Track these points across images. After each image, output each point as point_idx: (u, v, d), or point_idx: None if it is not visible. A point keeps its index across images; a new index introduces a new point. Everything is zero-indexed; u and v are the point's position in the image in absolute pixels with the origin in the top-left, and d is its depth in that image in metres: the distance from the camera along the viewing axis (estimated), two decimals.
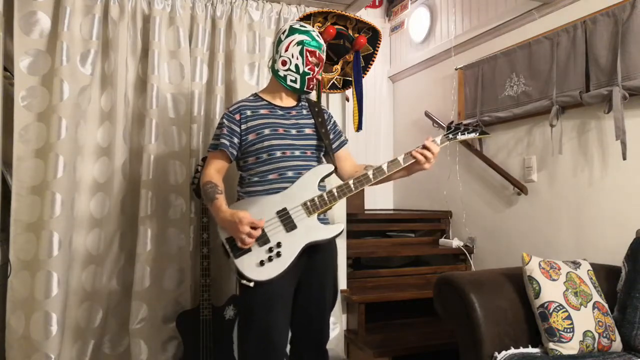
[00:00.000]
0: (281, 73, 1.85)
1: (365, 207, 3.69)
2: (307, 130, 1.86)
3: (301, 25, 1.86)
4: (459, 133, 1.89)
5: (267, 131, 1.79)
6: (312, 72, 1.84)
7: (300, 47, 1.82)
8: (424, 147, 1.81)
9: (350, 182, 1.76)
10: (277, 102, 1.89)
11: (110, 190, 2.32)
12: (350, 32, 2.51)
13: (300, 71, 1.83)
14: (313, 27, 2.43)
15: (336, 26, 2.45)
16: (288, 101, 1.91)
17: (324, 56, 1.88)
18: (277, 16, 2.66)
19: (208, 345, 2.29)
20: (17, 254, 2.13)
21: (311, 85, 1.87)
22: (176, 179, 2.43)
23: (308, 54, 1.82)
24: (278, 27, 2.67)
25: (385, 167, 1.79)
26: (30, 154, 2.17)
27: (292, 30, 1.84)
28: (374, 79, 4.43)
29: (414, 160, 1.79)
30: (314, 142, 1.86)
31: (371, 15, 4.40)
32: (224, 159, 1.83)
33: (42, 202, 2.14)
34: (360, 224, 3.49)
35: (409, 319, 3.02)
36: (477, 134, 1.91)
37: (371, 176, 1.77)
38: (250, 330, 1.73)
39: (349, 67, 2.62)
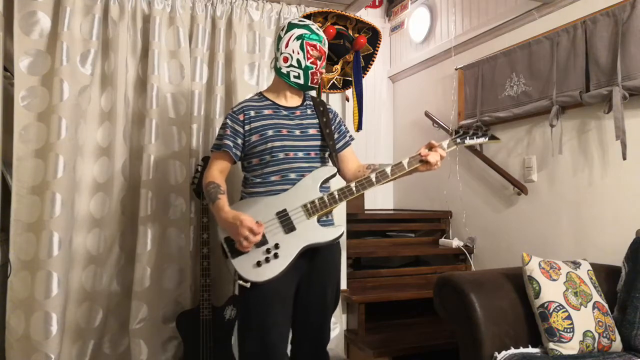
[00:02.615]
0: (284, 70, 1.83)
1: (365, 207, 3.69)
2: (311, 131, 1.84)
3: (300, 20, 1.85)
4: (467, 137, 1.85)
5: (270, 132, 1.78)
6: (314, 66, 1.82)
7: (300, 41, 1.81)
8: (431, 147, 1.78)
9: (352, 185, 1.74)
10: (282, 101, 1.87)
11: (110, 190, 2.32)
12: (350, 32, 2.51)
13: (303, 66, 1.81)
14: None
15: (336, 26, 2.46)
16: (293, 100, 1.89)
17: (325, 49, 1.86)
18: (277, 16, 2.66)
19: (208, 345, 2.29)
20: (17, 254, 2.13)
21: (315, 80, 1.85)
22: (176, 179, 2.43)
23: (309, 47, 1.81)
24: (278, 27, 2.67)
25: (388, 170, 1.76)
26: (30, 154, 2.17)
27: (291, 26, 1.84)
28: (374, 79, 4.43)
29: (419, 164, 1.77)
30: (317, 143, 1.84)
31: (371, 15, 4.40)
32: (226, 159, 1.82)
33: (42, 202, 2.13)
34: (360, 224, 3.48)
35: (409, 319, 3.02)
36: (487, 139, 1.87)
37: (374, 180, 1.75)
38: (248, 330, 1.73)
39: (349, 67, 2.62)
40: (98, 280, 2.31)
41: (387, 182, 1.78)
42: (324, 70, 1.87)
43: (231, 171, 1.89)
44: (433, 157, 1.75)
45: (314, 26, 1.85)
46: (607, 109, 2.36)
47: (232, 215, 1.65)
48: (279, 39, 1.86)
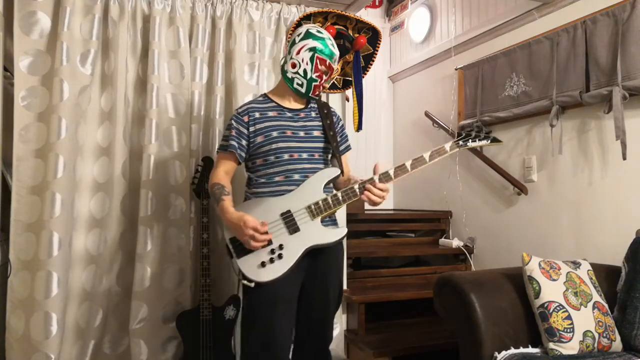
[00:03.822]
0: (289, 75, 1.84)
1: (365, 207, 3.69)
2: (315, 133, 1.86)
3: (318, 31, 1.85)
4: (470, 140, 1.86)
5: (275, 134, 1.79)
6: (319, 80, 1.84)
7: (311, 53, 1.81)
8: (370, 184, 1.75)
9: (356, 186, 1.75)
10: (286, 103, 1.88)
11: (110, 190, 2.32)
12: (350, 32, 2.51)
13: (308, 77, 1.82)
14: None
15: (336, 26, 2.45)
16: (297, 103, 1.90)
17: (334, 66, 1.87)
18: (277, 16, 2.66)
19: (208, 345, 2.29)
20: (17, 254, 2.13)
21: (317, 92, 1.87)
22: (176, 179, 2.43)
23: (318, 61, 1.81)
24: (278, 27, 2.67)
25: (391, 172, 1.77)
26: (30, 154, 2.17)
27: (307, 35, 1.84)
28: (374, 79, 4.43)
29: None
30: (321, 145, 1.86)
31: (371, 15, 4.40)
32: (232, 160, 1.83)
33: (42, 202, 2.13)
34: (360, 224, 3.48)
35: (409, 319, 3.02)
36: (489, 141, 1.88)
37: (377, 180, 1.76)
38: (252, 330, 1.73)
39: (349, 67, 2.62)
40: (98, 280, 2.31)
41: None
42: (327, 85, 1.88)
43: (237, 173, 1.91)
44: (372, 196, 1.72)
45: (330, 41, 1.85)
46: (607, 109, 2.36)
47: (236, 217, 1.66)
48: (292, 42, 1.85)
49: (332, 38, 1.87)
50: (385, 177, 1.77)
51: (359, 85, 2.56)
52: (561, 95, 2.61)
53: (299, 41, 1.83)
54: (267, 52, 2.65)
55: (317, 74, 1.82)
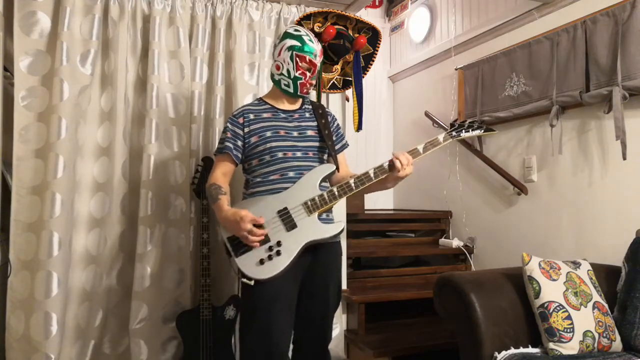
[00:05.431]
0: (276, 77, 1.89)
1: (365, 207, 3.69)
2: (310, 132, 1.87)
3: (295, 30, 1.88)
4: (463, 130, 1.86)
5: (268, 133, 1.81)
6: (303, 77, 1.86)
7: (290, 52, 1.84)
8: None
9: (351, 181, 1.76)
10: (280, 105, 1.91)
11: (110, 190, 2.32)
12: (350, 32, 2.51)
13: (292, 76, 1.85)
14: (313, 27, 2.43)
15: (336, 26, 2.45)
16: (291, 104, 1.92)
17: (316, 61, 1.88)
18: (277, 16, 2.66)
19: (208, 345, 2.29)
20: (17, 254, 2.13)
21: (304, 90, 1.89)
22: (176, 179, 2.43)
23: (298, 59, 1.84)
24: (278, 27, 2.67)
25: (386, 165, 1.79)
26: (30, 154, 2.17)
27: (285, 35, 1.88)
28: (374, 79, 4.43)
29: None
30: (316, 144, 1.87)
31: (371, 15, 4.40)
32: (229, 161, 1.85)
33: (42, 202, 2.13)
34: (360, 224, 3.48)
35: (409, 319, 3.02)
36: (482, 130, 1.88)
37: (372, 175, 1.77)
38: (251, 328, 1.73)
39: (349, 67, 2.62)
40: (98, 280, 2.31)
41: (384, 176, 1.78)
42: (314, 82, 1.91)
43: (235, 175, 1.92)
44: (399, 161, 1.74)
45: (307, 37, 1.87)
46: (607, 109, 2.36)
47: (231, 213, 1.67)
48: (274, 45, 1.91)
49: (310, 34, 1.89)
50: (380, 171, 1.78)
51: (359, 85, 2.56)
52: (561, 95, 2.61)
53: (279, 43, 1.88)
54: (267, 52, 2.65)
55: (299, 72, 1.84)
